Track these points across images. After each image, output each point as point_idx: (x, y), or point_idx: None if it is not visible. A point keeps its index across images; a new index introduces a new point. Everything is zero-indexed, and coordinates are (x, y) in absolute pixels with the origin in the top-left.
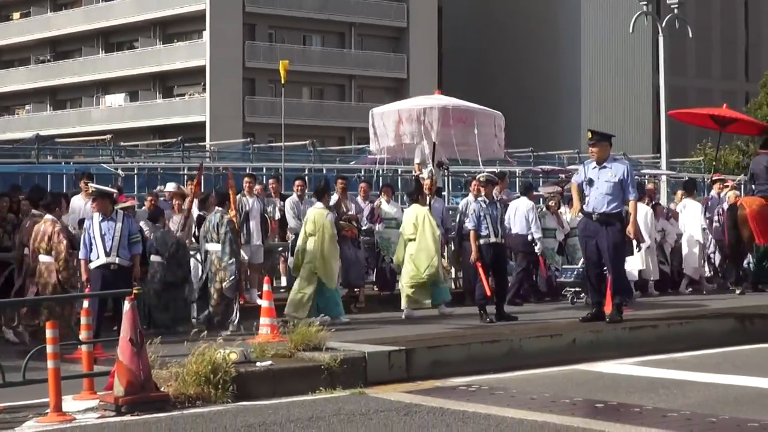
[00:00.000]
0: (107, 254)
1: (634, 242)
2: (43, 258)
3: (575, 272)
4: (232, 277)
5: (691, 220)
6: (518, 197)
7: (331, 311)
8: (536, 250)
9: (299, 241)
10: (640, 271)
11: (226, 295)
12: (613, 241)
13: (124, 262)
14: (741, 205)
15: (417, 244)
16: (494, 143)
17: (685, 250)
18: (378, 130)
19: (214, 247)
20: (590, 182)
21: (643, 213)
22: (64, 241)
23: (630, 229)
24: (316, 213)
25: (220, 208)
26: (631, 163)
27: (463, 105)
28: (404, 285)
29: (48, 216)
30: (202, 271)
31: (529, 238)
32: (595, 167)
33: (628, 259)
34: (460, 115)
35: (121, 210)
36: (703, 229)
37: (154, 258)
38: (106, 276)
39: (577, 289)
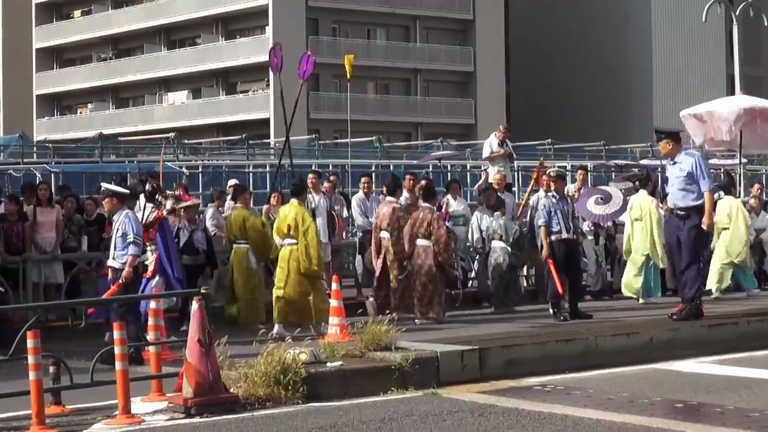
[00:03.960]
0: (110, 256)
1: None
2: (421, 242)
3: None
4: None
5: None
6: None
7: (651, 292)
8: None
9: (626, 228)
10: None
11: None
12: (688, 235)
13: (116, 264)
14: None
15: (731, 233)
16: None
17: None
18: (691, 130)
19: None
20: (666, 180)
21: None
22: (444, 227)
23: (705, 221)
24: (642, 200)
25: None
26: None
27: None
28: (713, 269)
29: (425, 204)
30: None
31: None
32: (670, 164)
33: None
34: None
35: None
36: None
37: (496, 243)
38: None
39: None
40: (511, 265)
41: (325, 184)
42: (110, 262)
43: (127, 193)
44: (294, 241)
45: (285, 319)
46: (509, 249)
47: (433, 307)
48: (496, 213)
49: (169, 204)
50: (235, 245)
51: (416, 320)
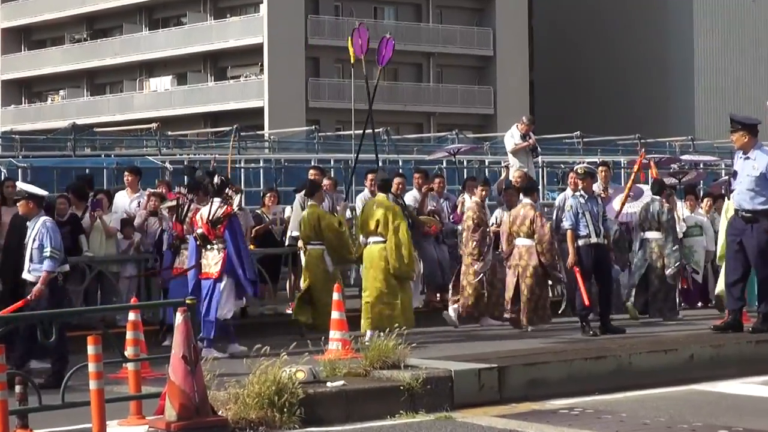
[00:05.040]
0: (25, 269)
1: None
2: (522, 241)
3: None
4: (677, 263)
5: None
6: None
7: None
8: None
9: (721, 233)
10: None
11: (668, 282)
12: (758, 240)
13: (30, 278)
14: None
15: None
16: None
17: None
18: None
19: (654, 235)
20: (735, 174)
21: None
22: (547, 225)
23: None
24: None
25: (657, 197)
26: None
27: None
28: None
29: (526, 200)
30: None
31: None
32: (741, 157)
33: None
34: None
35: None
36: None
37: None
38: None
39: None
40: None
41: (325, 181)
42: (25, 275)
43: (45, 195)
44: (381, 239)
45: (378, 325)
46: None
47: (538, 312)
48: None
49: (237, 200)
50: (309, 246)
51: (528, 328)
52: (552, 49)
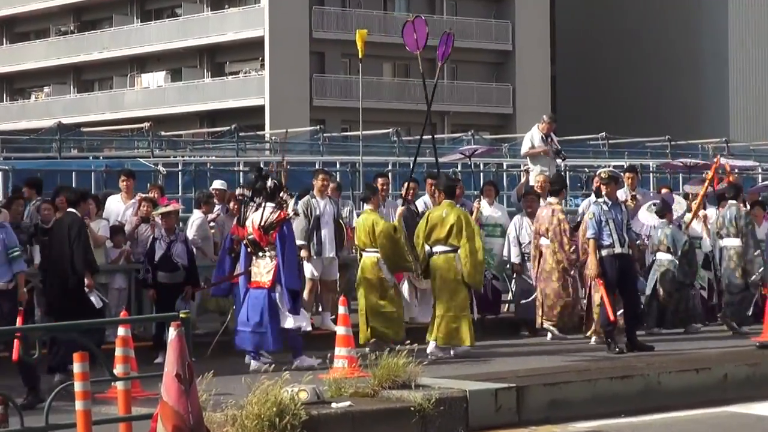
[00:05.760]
0: None
1: None
2: None
3: None
4: (761, 269)
5: None
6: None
7: None
8: None
9: None
10: None
11: (743, 291)
12: None
13: None
14: None
15: None
16: None
17: None
18: None
19: (732, 242)
20: None
21: None
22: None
23: None
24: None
25: (733, 202)
26: None
27: None
28: None
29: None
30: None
31: None
32: None
33: None
34: None
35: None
36: None
37: (662, 256)
38: None
39: None
40: (679, 282)
41: (330, 185)
42: None
43: None
44: (448, 248)
45: (447, 341)
46: (677, 262)
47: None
48: (662, 220)
49: (292, 205)
50: (364, 254)
51: (592, 340)
52: (575, 44)
